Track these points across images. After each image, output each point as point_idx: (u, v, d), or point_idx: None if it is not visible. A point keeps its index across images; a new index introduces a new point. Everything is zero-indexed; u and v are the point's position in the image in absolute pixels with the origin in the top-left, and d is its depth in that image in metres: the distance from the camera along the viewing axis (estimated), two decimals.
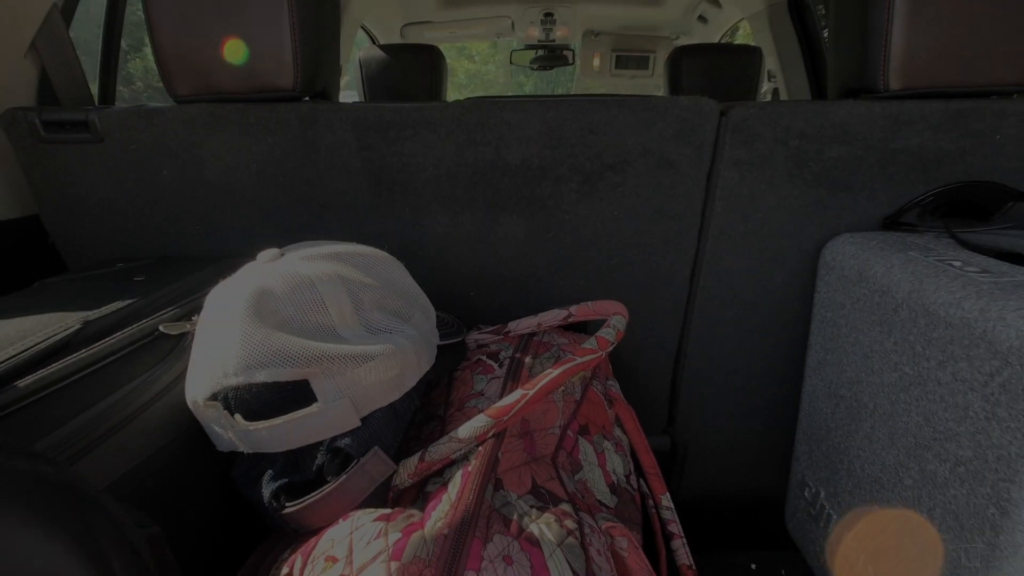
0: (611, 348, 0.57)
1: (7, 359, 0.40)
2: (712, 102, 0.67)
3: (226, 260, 0.70)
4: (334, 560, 0.35)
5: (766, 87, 2.03)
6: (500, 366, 0.58)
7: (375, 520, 0.37)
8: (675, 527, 0.65)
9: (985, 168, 0.68)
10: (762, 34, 1.87)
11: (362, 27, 2.17)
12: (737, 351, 0.81)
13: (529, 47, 2.61)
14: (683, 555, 0.64)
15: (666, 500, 0.65)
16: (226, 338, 0.42)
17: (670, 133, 0.67)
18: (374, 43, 2.31)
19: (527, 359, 0.58)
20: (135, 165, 0.72)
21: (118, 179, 0.73)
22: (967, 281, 0.50)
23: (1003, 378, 0.44)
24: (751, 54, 1.55)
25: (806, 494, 0.77)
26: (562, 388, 0.57)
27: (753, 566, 0.82)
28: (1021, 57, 0.66)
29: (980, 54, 0.66)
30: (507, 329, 0.66)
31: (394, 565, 0.34)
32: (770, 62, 1.92)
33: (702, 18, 2.23)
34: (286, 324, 0.43)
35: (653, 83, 2.62)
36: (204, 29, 0.68)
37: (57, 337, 0.44)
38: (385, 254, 0.54)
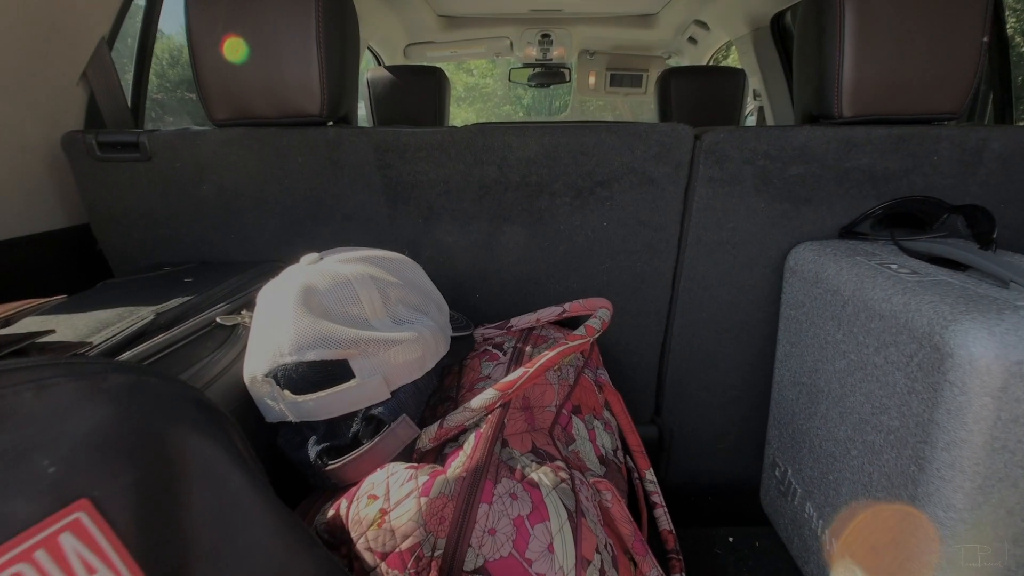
0: (597, 335, 0.67)
1: (104, 340, 0.49)
2: (687, 128, 0.77)
3: (264, 264, 0.79)
4: (375, 498, 0.44)
5: (752, 106, 2.15)
6: (504, 354, 0.67)
7: (406, 468, 0.46)
8: (658, 498, 0.73)
9: (925, 185, 0.78)
10: (747, 56, 1.99)
11: (367, 47, 2.29)
12: (716, 347, 0.90)
13: (527, 65, 2.73)
14: (664, 522, 0.72)
15: (650, 475, 0.74)
16: (280, 325, 0.51)
17: (651, 154, 0.77)
18: (379, 63, 2.43)
19: (527, 348, 0.67)
20: (178, 181, 0.82)
21: (162, 193, 0.82)
22: (897, 280, 0.60)
23: (919, 359, 0.53)
24: (735, 76, 1.66)
25: (776, 473, 0.86)
26: (558, 373, 0.66)
27: (731, 539, 0.91)
28: (952, 90, 0.76)
29: (918, 87, 0.77)
30: (510, 324, 0.75)
31: (423, 500, 0.43)
32: (755, 82, 2.04)
33: (692, 39, 2.35)
34: (328, 314, 0.52)
35: (646, 100, 2.74)
36: (241, 56, 0.78)
37: (137, 325, 0.53)
38: (407, 258, 0.63)
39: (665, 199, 0.80)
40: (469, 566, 0.41)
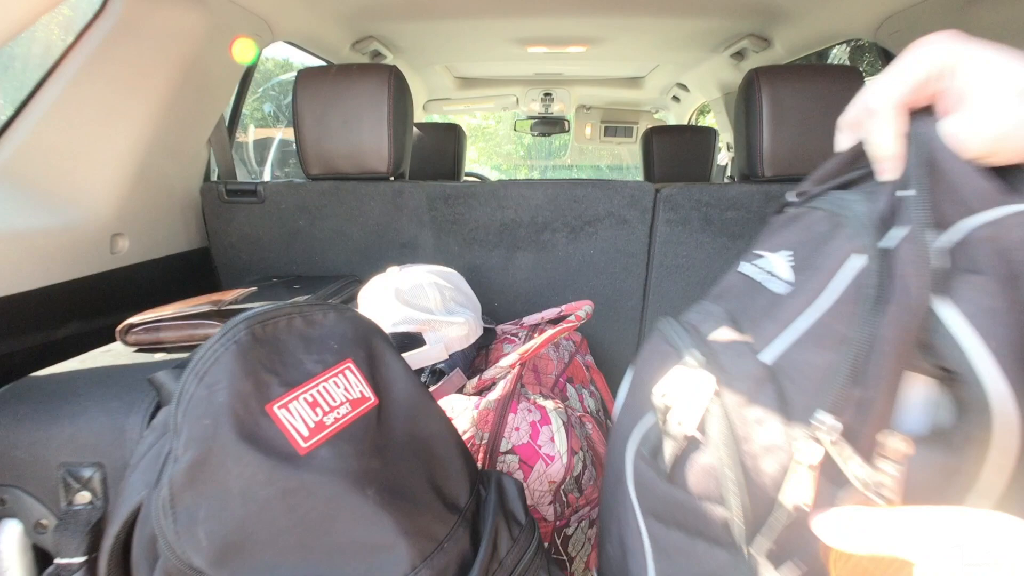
0: (583, 322, 0.95)
1: None
2: (650, 184, 1.08)
3: (345, 277, 1.09)
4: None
5: (727, 159, 2.48)
6: (519, 340, 0.96)
7: (461, 397, 0.74)
8: None
9: None
10: (720, 115, 2.33)
11: None
12: None
13: (531, 117, 3.09)
14: None
15: None
16: (381, 310, 0.80)
17: (625, 203, 1.08)
18: None
19: (535, 335, 0.96)
20: (281, 218, 1.12)
21: (269, 227, 1.13)
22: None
23: None
24: (706, 134, 1.99)
25: None
26: (557, 353, 0.94)
27: None
28: None
29: (818, 154, 1.07)
30: (521, 321, 1.04)
31: (475, 412, 0.71)
32: (728, 137, 2.38)
33: (675, 98, 2.71)
34: (409, 304, 0.82)
35: (636, 148, 3.09)
36: (331, 131, 1.10)
37: None
38: (455, 271, 0.93)
39: (635, 235, 1.10)
40: (503, 449, 0.69)
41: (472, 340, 0.85)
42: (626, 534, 0.46)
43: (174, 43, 1.00)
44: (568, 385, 0.91)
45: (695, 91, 2.46)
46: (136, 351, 0.69)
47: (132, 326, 0.68)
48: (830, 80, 1.06)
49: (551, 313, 1.04)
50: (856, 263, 0.35)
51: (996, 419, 0.29)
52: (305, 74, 1.11)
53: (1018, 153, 0.33)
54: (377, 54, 1.81)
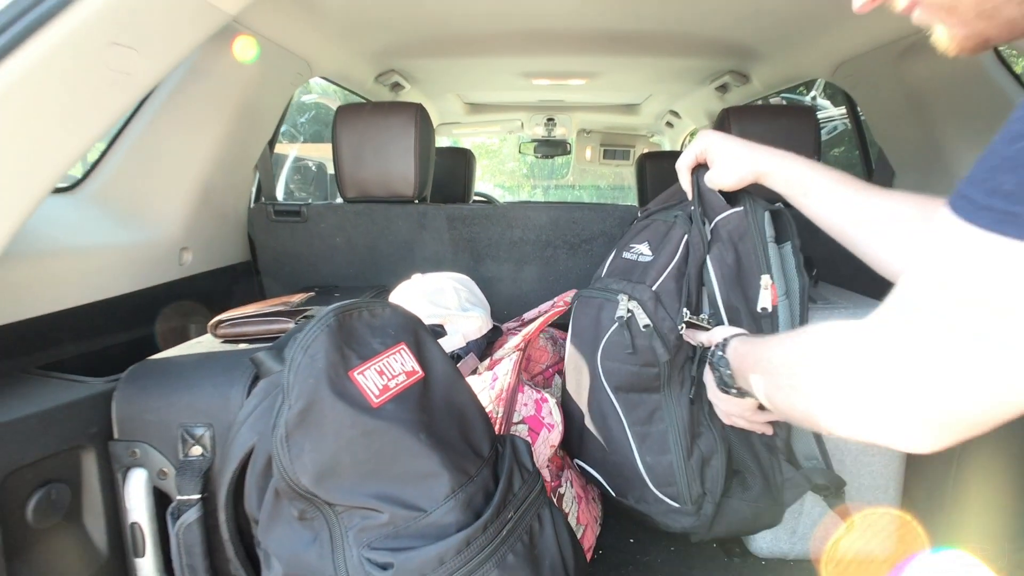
0: (571, 306, 1.12)
1: None
2: (636, 208, 1.25)
3: (377, 286, 1.26)
4: None
5: None
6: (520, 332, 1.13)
7: (480, 377, 0.91)
8: None
9: None
10: None
11: None
12: None
13: (534, 140, 3.29)
14: None
15: None
16: (412, 308, 0.98)
17: (614, 224, 1.26)
18: None
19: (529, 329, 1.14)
20: (321, 235, 1.30)
21: (310, 242, 1.31)
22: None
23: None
24: None
25: None
26: (554, 347, 1.12)
27: None
28: None
29: None
30: (522, 318, 1.21)
31: (492, 391, 0.88)
32: None
33: (669, 123, 2.91)
34: (434, 302, 0.99)
35: (632, 169, 3.28)
36: (365, 160, 1.28)
37: None
38: (468, 277, 1.11)
39: None
40: (515, 420, 0.86)
41: (484, 332, 1.03)
42: (604, 407, 0.88)
43: (234, 85, 1.18)
44: (556, 376, 1.09)
45: (686, 118, 2.65)
46: (223, 343, 0.87)
47: (221, 322, 0.86)
48: (788, 117, 1.25)
49: (546, 306, 1.21)
50: (683, 240, 0.84)
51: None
52: (343, 110, 1.30)
53: (735, 186, 0.80)
54: (397, 85, 2.00)
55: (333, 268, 1.32)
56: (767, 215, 0.83)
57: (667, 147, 3.10)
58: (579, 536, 0.92)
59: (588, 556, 0.99)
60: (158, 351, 0.84)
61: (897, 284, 0.42)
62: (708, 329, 0.79)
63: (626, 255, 0.94)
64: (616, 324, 0.86)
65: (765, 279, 0.80)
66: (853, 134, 1.65)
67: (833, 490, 0.84)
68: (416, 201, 1.31)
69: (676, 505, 0.86)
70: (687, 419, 0.84)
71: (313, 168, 3.89)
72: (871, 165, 1.59)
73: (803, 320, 0.83)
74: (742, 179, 0.79)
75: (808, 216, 0.77)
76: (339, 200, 1.35)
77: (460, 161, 2.26)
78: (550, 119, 2.99)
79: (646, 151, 3.03)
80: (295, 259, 1.32)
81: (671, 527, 0.87)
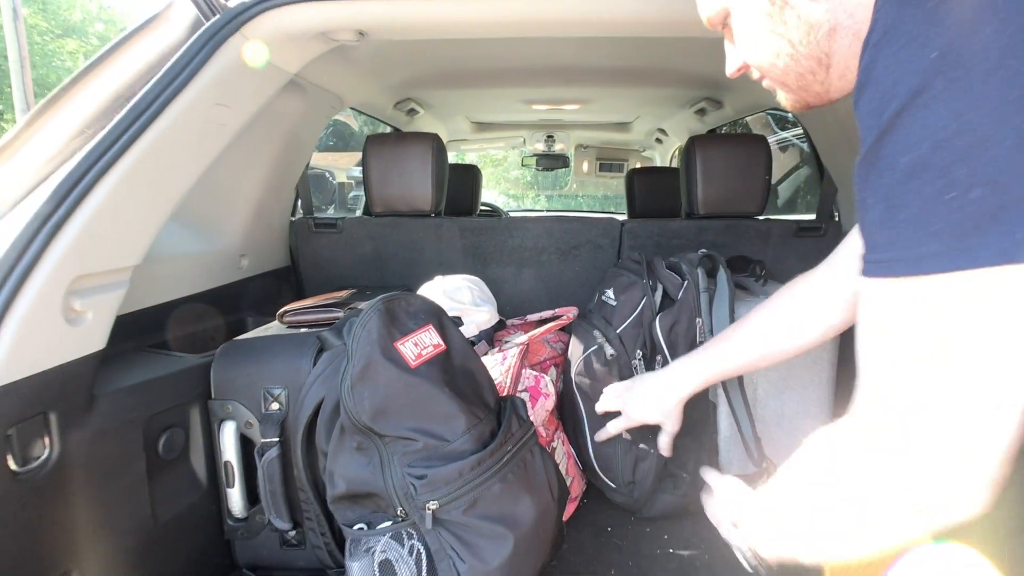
0: (571, 321, 1.36)
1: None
2: (617, 221, 1.50)
3: (401, 287, 1.51)
4: None
5: None
6: (521, 327, 1.37)
7: (491, 357, 1.15)
8: None
9: (741, 250, 1.50)
10: None
11: None
12: None
13: (535, 155, 3.54)
14: None
15: None
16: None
17: (600, 233, 1.50)
18: None
19: (535, 327, 1.38)
20: (354, 244, 1.55)
21: (344, 250, 1.56)
22: (738, 298, 1.30)
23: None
24: (673, 174, 2.42)
25: None
26: (550, 346, 1.36)
27: None
28: (753, 202, 1.49)
29: (736, 200, 1.50)
30: (525, 318, 1.45)
31: (501, 367, 1.12)
32: None
33: (658, 140, 3.15)
34: (452, 299, 1.24)
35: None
36: (391, 181, 1.53)
37: None
38: (479, 279, 1.35)
39: (607, 257, 1.52)
40: (519, 389, 1.10)
41: (491, 324, 1.27)
42: (574, 406, 1.12)
43: (283, 119, 1.43)
44: (553, 368, 1.33)
45: (672, 136, 2.90)
46: (288, 328, 1.11)
47: (286, 312, 1.10)
48: (744, 145, 1.49)
49: (547, 314, 1.45)
50: (641, 304, 1.18)
51: None
52: (372, 139, 1.55)
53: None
54: (412, 111, 2.26)
55: (363, 272, 1.57)
56: (700, 271, 1.19)
57: (658, 161, 3.35)
58: (568, 484, 1.16)
59: (575, 503, 1.23)
60: (232, 336, 1.09)
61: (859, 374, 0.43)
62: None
63: (603, 298, 1.28)
64: (592, 349, 1.19)
65: (699, 321, 1.16)
66: (811, 153, 1.89)
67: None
68: (433, 215, 1.56)
69: (613, 486, 1.18)
70: (632, 430, 1.11)
71: (329, 177, 4.16)
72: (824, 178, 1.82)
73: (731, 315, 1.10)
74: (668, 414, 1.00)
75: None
76: (356, 213, 1.60)
77: (468, 176, 2.52)
78: (550, 136, 3.24)
79: (638, 165, 3.28)
80: (331, 264, 1.56)
81: (612, 500, 1.20)
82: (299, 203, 1.71)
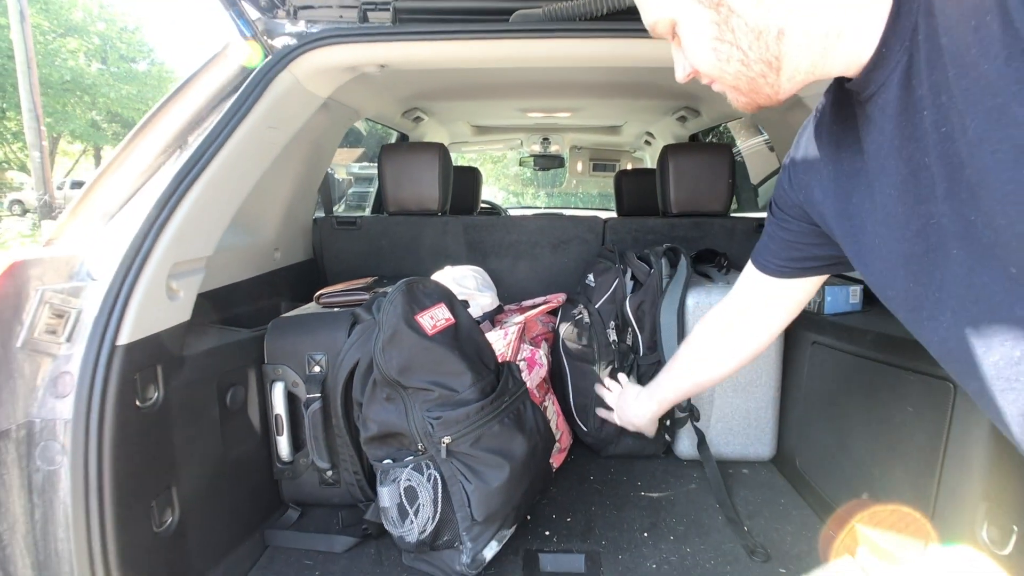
0: (560, 305, 1.59)
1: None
2: (600, 218, 1.73)
3: (414, 276, 1.74)
4: None
5: None
6: (518, 311, 1.60)
7: (494, 334, 1.39)
8: None
9: (712, 244, 1.73)
10: None
11: None
12: None
13: (532, 155, 3.77)
14: None
15: None
16: None
17: (585, 229, 1.73)
18: None
19: (531, 311, 1.61)
20: (371, 239, 1.78)
21: (362, 245, 1.79)
22: (695, 282, 1.53)
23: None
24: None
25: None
26: (543, 325, 1.59)
27: None
28: (719, 201, 1.72)
29: (704, 199, 1.73)
30: (520, 304, 1.68)
31: (503, 341, 1.35)
32: None
33: (647, 142, 3.38)
34: (460, 284, 1.47)
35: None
36: (403, 184, 1.76)
37: None
38: (482, 269, 1.58)
39: (592, 250, 1.75)
40: (519, 358, 1.34)
41: (493, 307, 1.50)
42: (562, 366, 1.31)
43: (309, 131, 1.66)
44: (544, 342, 1.56)
45: (659, 138, 3.13)
46: (323, 308, 1.34)
47: (322, 294, 1.33)
48: (711, 153, 1.72)
49: (540, 300, 1.68)
50: (614, 284, 1.43)
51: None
52: (387, 148, 1.78)
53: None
54: (418, 118, 2.49)
55: (379, 263, 1.80)
56: (664, 261, 1.44)
57: (648, 161, 3.57)
58: (557, 437, 1.40)
59: (564, 454, 1.46)
60: (271, 316, 1.31)
61: None
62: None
63: (586, 281, 1.57)
64: (576, 319, 1.45)
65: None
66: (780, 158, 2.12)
67: (695, 417, 1.37)
68: (440, 214, 1.79)
69: (585, 429, 1.45)
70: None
71: (330, 172, 4.37)
72: None
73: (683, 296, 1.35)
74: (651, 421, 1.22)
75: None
76: (365, 211, 1.82)
77: (469, 177, 2.76)
78: (546, 138, 3.47)
79: (629, 166, 3.51)
80: (351, 256, 1.79)
81: (583, 440, 1.48)
82: (320, 203, 1.94)
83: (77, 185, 21.52)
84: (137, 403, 0.89)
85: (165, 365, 0.96)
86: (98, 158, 24.10)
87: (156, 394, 0.94)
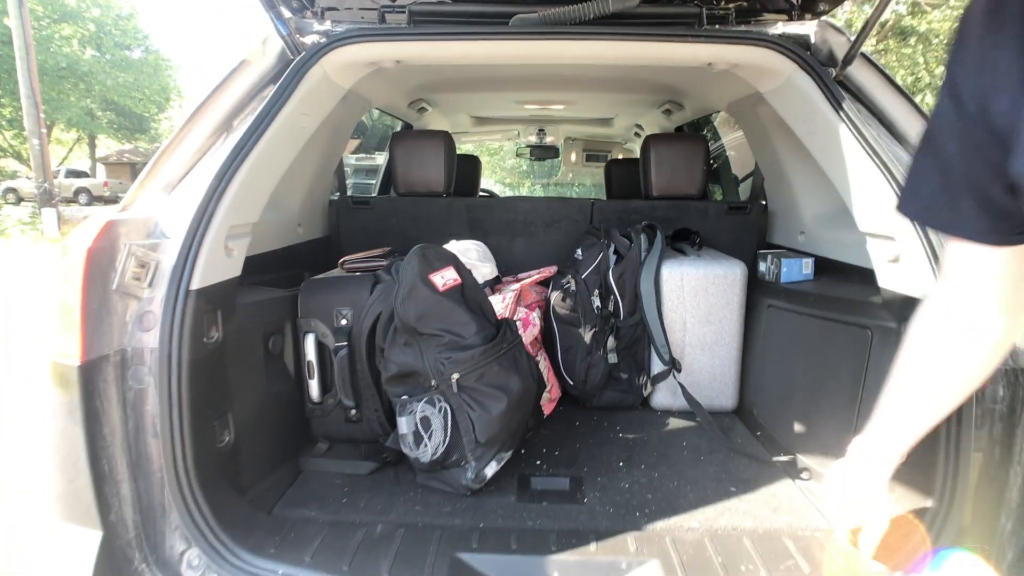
0: (551, 275, 1.80)
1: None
2: (588, 201, 1.93)
3: (427, 244, 1.94)
4: None
5: None
6: (514, 281, 1.81)
7: (493, 298, 1.59)
8: None
9: (687, 223, 1.93)
10: None
11: None
12: None
13: (529, 146, 3.96)
14: None
15: None
16: None
17: (576, 210, 1.94)
18: None
19: (524, 283, 1.82)
20: (383, 217, 1.98)
21: (375, 222, 1.98)
22: (670, 256, 1.74)
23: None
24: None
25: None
26: (537, 294, 1.80)
27: None
28: (695, 186, 1.93)
29: (681, 184, 1.93)
30: (517, 276, 1.89)
31: (502, 304, 1.56)
32: None
33: (637, 134, 3.58)
34: (464, 256, 1.67)
35: None
36: (411, 168, 1.95)
37: None
38: (482, 243, 1.79)
39: (581, 228, 1.96)
40: (515, 318, 1.55)
41: (492, 277, 1.71)
42: (552, 328, 1.39)
43: (329, 118, 1.84)
44: (537, 308, 1.77)
45: (647, 130, 3.33)
46: (346, 271, 1.54)
47: (345, 261, 1.54)
48: (687, 142, 1.93)
49: (534, 272, 1.89)
50: (599, 258, 1.63)
51: None
52: (398, 135, 1.98)
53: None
54: (423, 109, 2.68)
55: (390, 239, 1.99)
56: (643, 237, 1.64)
57: (637, 152, 3.78)
58: (548, 388, 1.61)
59: (554, 404, 1.67)
60: (296, 283, 1.50)
61: None
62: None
63: (575, 256, 1.77)
64: (564, 287, 1.65)
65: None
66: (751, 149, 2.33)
67: (677, 369, 1.56)
68: (445, 195, 1.99)
69: (571, 383, 1.67)
70: (587, 345, 1.61)
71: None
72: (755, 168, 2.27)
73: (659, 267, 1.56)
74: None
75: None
76: (372, 193, 2.02)
77: (470, 165, 2.96)
78: (541, 129, 3.67)
79: (620, 156, 3.72)
80: (365, 232, 1.99)
81: (570, 393, 1.69)
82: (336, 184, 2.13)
83: (72, 174, 21.52)
84: (204, 339, 1.09)
85: (223, 310, 1.16)
86: (93, 147, 24.02)
87: (216, 334, 1.14)
